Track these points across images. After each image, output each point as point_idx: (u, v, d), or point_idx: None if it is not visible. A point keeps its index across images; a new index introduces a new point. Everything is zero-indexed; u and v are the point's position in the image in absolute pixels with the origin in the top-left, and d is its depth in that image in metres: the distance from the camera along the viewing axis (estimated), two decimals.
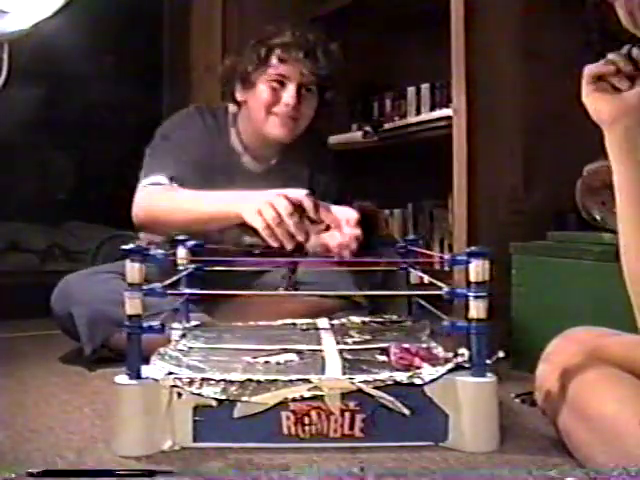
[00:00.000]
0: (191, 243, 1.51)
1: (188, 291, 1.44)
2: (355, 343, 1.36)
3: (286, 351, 1.27)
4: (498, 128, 1.82)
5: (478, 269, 1.11)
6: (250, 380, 1.10)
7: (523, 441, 1.15)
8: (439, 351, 1.24)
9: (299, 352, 1.27)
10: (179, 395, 1.10)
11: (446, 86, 2.11)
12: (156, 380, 1.10)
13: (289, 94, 1.83)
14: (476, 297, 1.10)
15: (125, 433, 1.10)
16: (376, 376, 1.11)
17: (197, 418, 1.10)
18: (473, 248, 1.12)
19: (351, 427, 1.11)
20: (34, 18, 1.36)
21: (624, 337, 1.06)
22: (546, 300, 1.64)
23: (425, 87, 2.31)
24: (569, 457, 1.03)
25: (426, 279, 1.42)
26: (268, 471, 1.01)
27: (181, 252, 1.50)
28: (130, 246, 1.11)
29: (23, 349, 1.95)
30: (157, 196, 1.76)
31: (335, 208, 1.64)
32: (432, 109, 2.25)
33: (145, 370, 1.12)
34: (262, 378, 1.11)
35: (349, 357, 1.23)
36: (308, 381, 1.10)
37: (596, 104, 0.95)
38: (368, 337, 1.41)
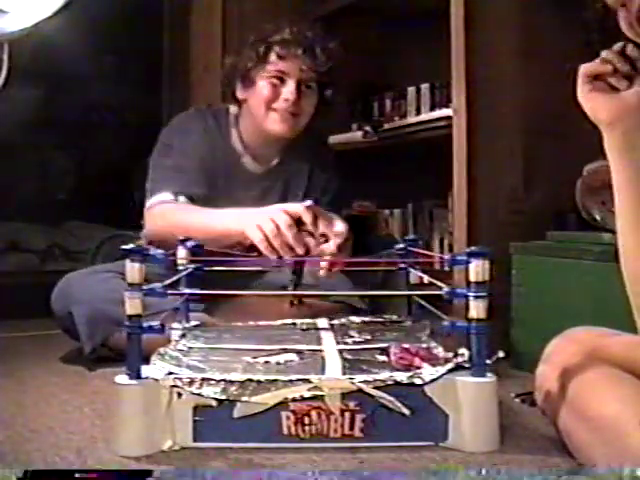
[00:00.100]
0: (191, 243, 1.51)
1: (188, 291, 1.44)
2: (355, 343, 1.36)
3: (286, 351, 1.27)
4: (498, 128, 1.82)
5: (478, 269, 1.11)
6: (250, 380, 1.10)
7: (523, 441, 1.15)
8: (439, 351, 1.24)
9: (299, 352, 1.27)
10: (179, 395, 1.10)
11: (446, 86, 2.11)
12: (156, 380, 1.10)
13: (288, 89, 1.84)
14: (476, 297, 1.10)
15: (125, 433, 1.10)
16: (376, 376, 1.11)
17: (197, 418, 1.10)
18: (473, 248, 1.12)
19: (351, 427, 1.11)
20: (34, 18, 1.36)
21: (624, 337, 1.06)
22: (546, 300, 1.64)
23: (425, 87, 2.31)
24: (569, 457, 1.03)
25: (426, 279, 1.42)
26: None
27: (181, 252, 1.50)
28: (130, 246, 1.11)
29: (23, 349, 1.94)
30: (165, 218, 1.78)
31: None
32: (432, 109, 2.25)
33: (145, 370, 1.12)
34: (262, 378, 1.11)
35: (349, 357, 1.23)
36: (308, 381, 1.10)
37: (594, 104, 0.94)
38: (368, 337, 1.41)
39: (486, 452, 1.09)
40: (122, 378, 1.10)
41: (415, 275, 1.55)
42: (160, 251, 1.25)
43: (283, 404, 1.10)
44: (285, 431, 1.10)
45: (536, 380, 1.13)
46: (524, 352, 1.63)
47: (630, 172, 0.92)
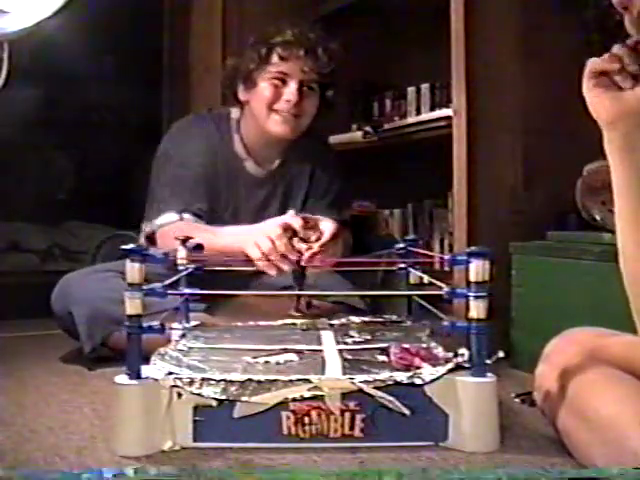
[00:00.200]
0: (191, 243, 1.52)
1: (188, 291, 1.44)
2: (355, 343, 1.36)
3: (286, 351, 1.27)
4: (498, 128, 1.82)
5: (478, 269, 1.11)
6: (250, 380, 1.10)
7: (523, 441, 1.15)
8: (439, 351, 1.24)
9: (299, 352, 1.27)
10: (179, 395, 1.10)
11: (446, 86, 2.11)
12: (156, 380, 1.10)
13: (290, 91, 1.84)
14: (476, 297, 1.10)
15: (125, 433, 1.10)
16: (376, 376, 1.11)
17: (197, 418, 1.10)
18: (473, 248, 1.12)
19: (351, 427, 1.11)
20: (34, 18, 1.36)
21: (623, 337, 1.06)
22: (546, 300, 1.64)
23: (425, 87, 2.31)
24: (569, 457, 1.04)
25: (426, 279, 1.42)
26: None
27: (181, 252, 1.50)
28: (130, 246, 1.11)
29: (23, 349, 1.94)
30: (172, 240, 1.77)
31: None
32: (432, 109, 2.25)
33: (145, 370, 1.12)
34: (262, 378, 1.11)
35: (349, 357, 1.23)
36: (308, 381, 1.10)
37: (596, 101, 0.92)
38: (368, 337, 1.41)
39: (486, 452, 1.10)
40: (122, 378, 1.10)
41: (415, 275, 1.55)
42: (160, 251, 1.26)
43: (283, 404, 1.10)
44: (285, 431, 1.10)
45: (536, 380, 1.13)
46: (524, 352, 1.63)
47: (630, 173, 0.92)
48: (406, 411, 1.11)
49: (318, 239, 1.64)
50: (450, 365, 1.14)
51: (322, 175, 2.00)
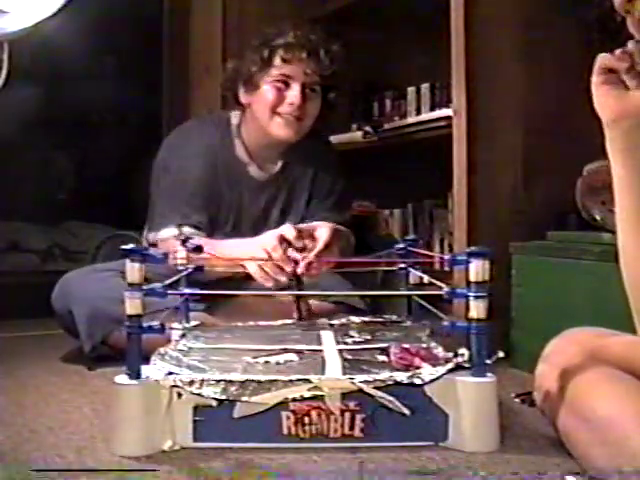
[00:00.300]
0: (191, 244, 1.51)
1: (188, 291, 1.44)
2: (355, 343, 1.36)
3: (286, 351, 1.27)
4: (498, 128, 1.82)
5: (478, 269, 1.10)
6: (250, 380, 1.10)
7: (523, 441, 1.15)
8: (439, 351, 1.24)
9: (299, 352, 1.27)
10: (179, 395, 1.10)
11: (446, 86, 2.11)
12: (156, 380, 1.10)
13: (293, 93, 1.83)
14: (476, 297, 1.10)
15: (125, 433, 1.10)
16: (376, 376, 1.11)
17: (197, 418, 1.10)
18: (473, 248, 1.12)
19: (351, 427, 1.11)
20: (34, 18, 1.36)
21: (623, 337, 1.06)
22: (546, 300, 1.64)
23: (425, 87, 2.31)
24: (569, 457, 1.03)
25: (426, 279, 1.42)
26: None
27: (181, 252, 1.50)
28: (130, 246, 1.11)
29: (23, 349, 1.94)
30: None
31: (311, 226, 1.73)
32: (432, 109, 2.25)
33: (145, 370, 1.12)
34: (262, 378, 1.11)
35: (349, 357, 1.23)
36: (308, 381, 1.10)
37: (602, 98, 0.92)
38: (368, 337, 1.41)
39: (486, 452, 1.09)
40: (122, 378, 1.10)
41: (415, 275, 1.55)
42: (161, 251, 1.26)
43: (283, 404, 1.10)
44: (285, 431, 1.10)
45: (536, 380, 1.13)
46: (524, 352, 1.63)
47: (631, 172, 0.91)
48: (406, 411, 1.11)
49: (313, 248, 1.65)
50: (450, 365, 1.14)
51: (324, 176, 1.99)
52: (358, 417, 1.11)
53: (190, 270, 1.47)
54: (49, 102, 2.96)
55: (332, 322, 1.56)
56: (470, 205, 1.79)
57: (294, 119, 1.85)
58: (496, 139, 1.82)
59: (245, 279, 1.72)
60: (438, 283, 1.23)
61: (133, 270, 1.10)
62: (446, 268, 1.88)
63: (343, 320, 1.58)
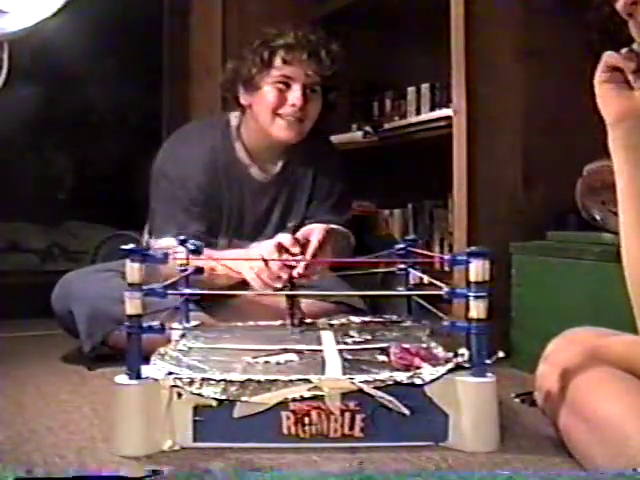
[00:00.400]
0: (192, 244, 1.51)
1: (188, 291, 1.44)
2: (355, 343, 1.36)
3: (286, 351, 1.27)
4: (498, 128, 1.82)
5: (478, 269, 1.11)
6: (250, 380, 1.10)
7: (523, 441, 1.15)
8: (439, 351, 1.24)
9: (299, 352, 1.27)
10: (179, 395, 1.10)
11: (446, 86, 2.11)
12: (156, 380, 1.10)
13: (295, 95, 1.82)
14: (476, 297, 1.10)
15: (125, 433, 1.10)
16: (376, 376, 1.11)
17: (197, 418, 1.10)
18: (473, 248, 1.12)
19: (351, 427, 1.11)
20: (34, 18, 1.36)
21: (624, 337, 1.06)
22: (546, 300, 1.64)
23: (425, 87, 2.31)
24: (569, 457, 1.03)
25: (426, 279, 1.42)
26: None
27: (181, 252, 1.50)
28: (130, 246, 1.11)
29: (23, 349, 1.94)
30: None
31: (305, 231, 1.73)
32: (432, 109, 2.24)
33: (145, 370, 1.12)
34: (262, 378, 1.11)
35: (349, 357, 1.23)
36: (308, 381, 1.10)
37: (605, 96, 0.92)
38: (368, 337, 1.41)
39: (486, 452, 1.09)
40: (122, 378, 1.10)
41: (415, 275, 1.55)
42: (160, 251, 1.26)
43: (283, 404, 1.10)
44: (285, 431, 1.10)
45: (536, 380, 1.13)
46: (524, 352, 1.63)
47: (634, 171, 0.91)
48: (406, 411, 1.11)
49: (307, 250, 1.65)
50: (450, 365, 1.14)
51: (325, 177, 1.98)
52: (358, 417, 1.11)
53: (190, 271, 1.47)
54: (49, 102, 2.96)
55: (332, 322, 1.56)
56: (470, 205, 1.79)
57: (296, 120, 1.84)
58: (496, 139, 1.82)
59: (242, 287, 1.72)
60: (438, 283, 1.23)
61: (133, 270, 1.10)
62: (446, 268, 1.88)
63: (343, 320, 1.57)
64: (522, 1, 1.83)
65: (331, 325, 1.54)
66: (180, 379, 1.10)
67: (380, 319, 1.58)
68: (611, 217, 1.53)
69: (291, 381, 1.10)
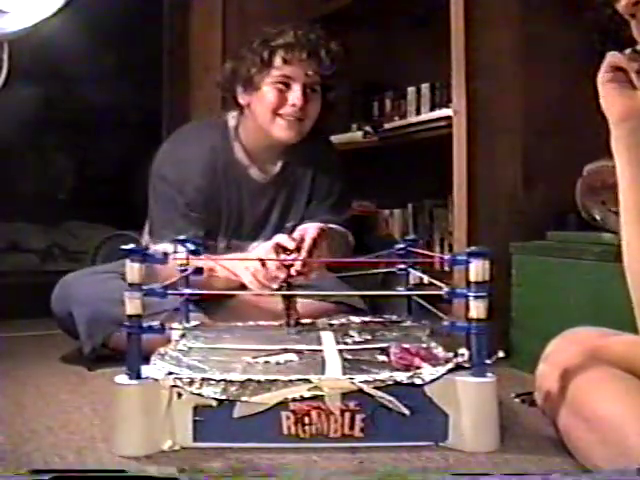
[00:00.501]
0: (191, 244, 1.51)
1: (188, 291, 1.44)
2: (355, 343, 1.36)
3: (286, 351, 1.27)
4: (498, 128, 1.82)
5: (478, 269, 1.11)
6: (250, 380, 1.10)
7: (523, 441, 1.15)
8: (439, 351, 1.24)
9: (299, 352, 1.27)
10: (179, 395, 1.10)
11: (446, 86, 2.11)
12: (156, 380, 1.10)
13: (295, 95, 1.82)
14: (476, 297, 1.10)
15: (125, 433, 1.10)
16: (376, 376, 1.11)
17: (197, 418, 1.10)
18: (473, 248, 1.12)
19: (351, 427, 1.11)
20: (34, 18, 1.36)
21: (624, 337, 1.06)
22: (546, 300, 1.64)
23: (425, 87, 2.31)
24: (569, 457, 1.03)
25: (426, 279, 1.42)
26: None
27: (180, 252, 1.50)
28: (130, 246, 1.11)
29: (23, 349, 1.94)
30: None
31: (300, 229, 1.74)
32: (432, 109, 2.24)
33: (145, 370, 1.12)
34: (262, 378, 1.11)
35: (349, 357, 1.23)
36: (308, 381, 1.10)
37: (608, 96, 0.92)
38: (368, 337, 1.41)
39: (486, 452, 1.09)
40: (122, 378, 1.10)
41: (415, 275, 1.55)
42: (160, 251, 1.26)
43: (283, 404, 1.10)
44: (285, 431, 1.10)
45: (536, 380, 1.13)
46: (524, 352, 1.63)
47: (636, 170, 0.91)
48: (406, 411, 1.11)
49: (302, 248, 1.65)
50: (450, 365, 1.14)
51: (324, 177, 1.98)
52: (358, 417, 1.11)
53: (190, 271, 1.47)
54: (49, 102, 2.96)
55: (332, 322, 1.56)
56: (470, 205, 1.79)
57: (296, 120, 1.84)
58: (496, 139, 1.82)
59: (240, 289, 1.72)
60: (438, 283, 1.23)
61: (133, 270, 1.10)
62: (446, 268, 1.88)
63: (343, 320, 1.57)
64: (522, 1, 1.83)
65: (331, 325, 1.54)
66: (180, 379, 1.10)
67: (380, 319, 1.58)
68: (611, 217, 1.53)
69: (291, 381, 1.10)
